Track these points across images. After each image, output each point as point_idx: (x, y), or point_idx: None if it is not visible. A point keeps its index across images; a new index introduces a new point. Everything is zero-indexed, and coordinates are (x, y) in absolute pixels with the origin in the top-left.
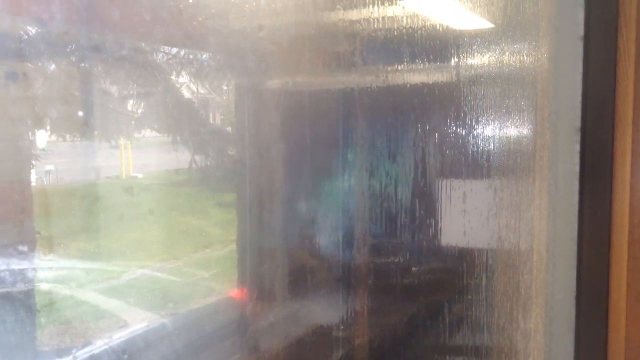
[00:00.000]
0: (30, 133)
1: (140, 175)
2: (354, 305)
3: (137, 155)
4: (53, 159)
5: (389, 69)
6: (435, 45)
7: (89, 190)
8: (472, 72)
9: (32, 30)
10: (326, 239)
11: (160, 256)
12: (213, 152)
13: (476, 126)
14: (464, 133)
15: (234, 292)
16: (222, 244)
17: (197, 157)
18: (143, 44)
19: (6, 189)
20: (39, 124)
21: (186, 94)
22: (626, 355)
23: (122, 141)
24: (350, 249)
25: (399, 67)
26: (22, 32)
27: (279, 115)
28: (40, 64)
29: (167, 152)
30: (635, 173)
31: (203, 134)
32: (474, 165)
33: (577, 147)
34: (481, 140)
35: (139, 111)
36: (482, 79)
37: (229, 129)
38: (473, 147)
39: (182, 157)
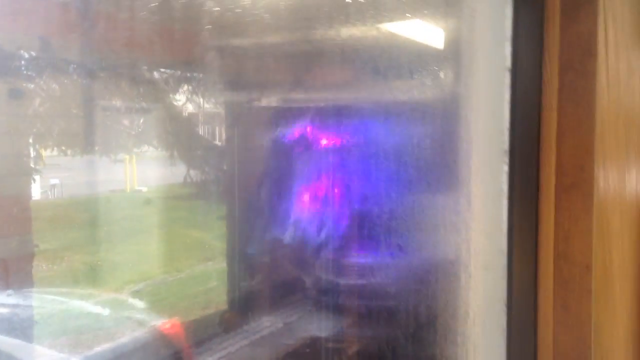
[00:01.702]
0: (32, 148)
1: (144, 189)
2: (338, 322)
3: (141, 169)
4: (59, 173)
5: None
6: (373, 66)
7: (94, 203)
8: (407, 95)
9: (34, 49)
10: (311, 251)
11: (162, 269)
12: (207, 167)
13: (411, 148)
14: (399, 155)
15: (166, 325)
16: (224, 256)
17: (192, 172)
18: (141, 63)
19: (5, 203)
20: (40, 139)
21: (182, 110)
22: (555, 358)
23: (126, 156)
24: (332, 264)
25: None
26: (24, 51)
27: (269, 131)
28: (42, 81)
29: (170, 166)
30: (560, 192)
31: (198, 149)
32: (410, 185)
33: (505, 168)
34: (415, 160)
35: (138, 127)
36: (415, 104)
37: (223, 144)
38: (408, 167)
39: (182, 172)
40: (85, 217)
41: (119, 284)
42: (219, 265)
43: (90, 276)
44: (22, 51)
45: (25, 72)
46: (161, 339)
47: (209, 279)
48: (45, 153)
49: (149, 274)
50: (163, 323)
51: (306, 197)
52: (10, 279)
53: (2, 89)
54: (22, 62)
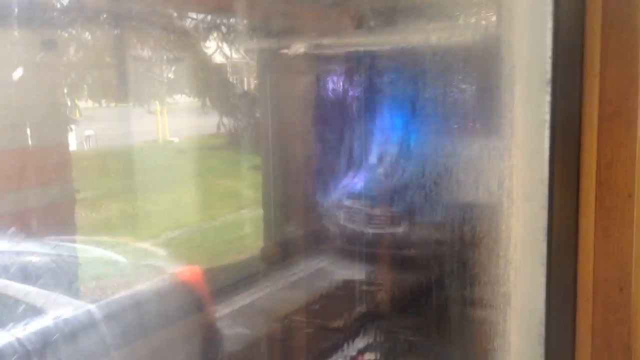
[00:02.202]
0: (67, 99)
1: (176, 140)
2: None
3: (173, 120)
4: (93, 124)
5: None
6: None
7: (128, 154)
8: (449, 30)
9: None
10: (345, 200)
11: (197, 217)
12: (240, 116)
13: (455, 80)
14: (443, 87)
15: (184, 272)
16: (257, 205)
17: (225, 120)
18: (171, 10)
19: (45, 152)
20: (75, 90)
21: (214, 58)
22: (594, 285)
23: (157, 106)
24: (369, 215)
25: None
26: (55, 1)
27: (302, 78)
28: (74, 32)
29: (203, 115)
30: (602, 121)
31: (230, 97)
32: (454, 115)
33: (548, 98)
34: (459, 92)
35: (170, 76)
36: (457, 38)
37: (256, 92)
38: (452, 99)
39: (212, 122)
40: (120, 167)
41: (155, 231)
42: (252, 213)
43: (128, 224)
44: (53, 1)
45: (56, 23)
46: (180, 286)
47: (243, 227)
48: (79, 104)
49: (184, 222)
50: (183, 270)
51: (343, 143)
52: (52, 225)
53: (35, 40)
54: (54, 13)
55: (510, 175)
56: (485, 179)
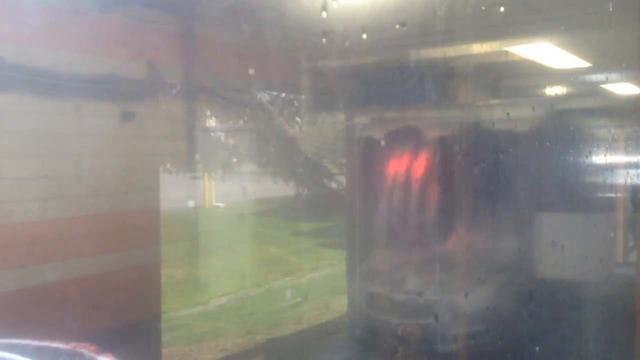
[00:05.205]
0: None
1: (222, 205)
2: None
3: (219, 185)
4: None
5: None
6: None
7: (174, 219)
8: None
9: (143, 73)
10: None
11: (242, 283)
12: (312, 184)
13: None
14: None
15: None
16: (301, 272)
17: (294, 188)
18: (244, 86)
19: (126, 217)
20: (149, 159)
21: (285, 131)
22: None
23: (204, 173)
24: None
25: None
26: (134, 75)
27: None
28: (151, 104)
29: (248, 182)
30: None
31: (301, 167)
32: None
33: None
34: None
35: (238, 146)
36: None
37: (325, 163)
38: None
39: (263, 188)
40: (169, 232)
41: (204, 298)
42: (297, 281)
43: (177, 290)
44: (132, 75)
45: (135, 95)
46: None
47: (291, 295)
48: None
49: (230, 289)
50: None
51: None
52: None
53: (116, 112)
54: (132, 86)
55: None
56: None
